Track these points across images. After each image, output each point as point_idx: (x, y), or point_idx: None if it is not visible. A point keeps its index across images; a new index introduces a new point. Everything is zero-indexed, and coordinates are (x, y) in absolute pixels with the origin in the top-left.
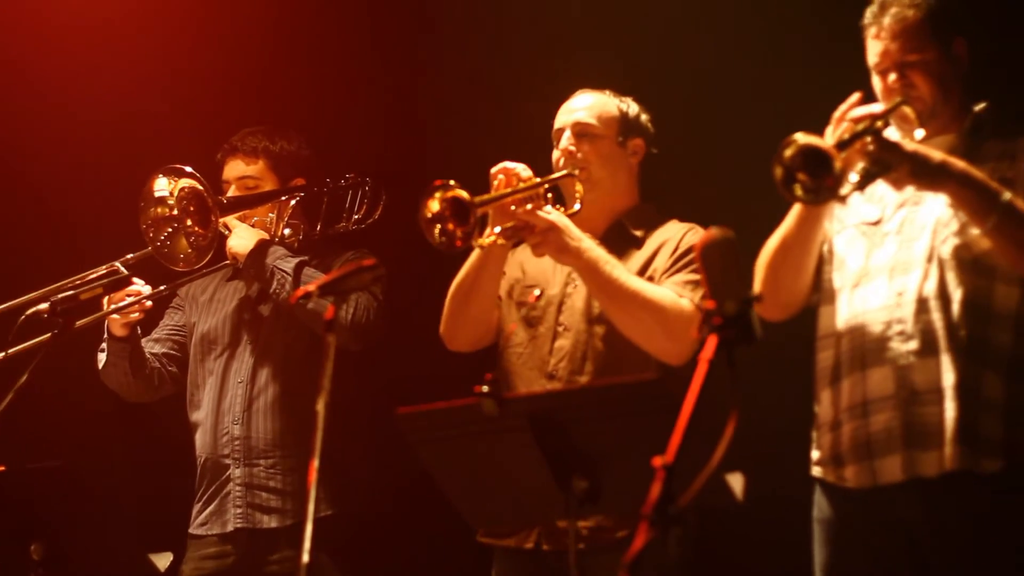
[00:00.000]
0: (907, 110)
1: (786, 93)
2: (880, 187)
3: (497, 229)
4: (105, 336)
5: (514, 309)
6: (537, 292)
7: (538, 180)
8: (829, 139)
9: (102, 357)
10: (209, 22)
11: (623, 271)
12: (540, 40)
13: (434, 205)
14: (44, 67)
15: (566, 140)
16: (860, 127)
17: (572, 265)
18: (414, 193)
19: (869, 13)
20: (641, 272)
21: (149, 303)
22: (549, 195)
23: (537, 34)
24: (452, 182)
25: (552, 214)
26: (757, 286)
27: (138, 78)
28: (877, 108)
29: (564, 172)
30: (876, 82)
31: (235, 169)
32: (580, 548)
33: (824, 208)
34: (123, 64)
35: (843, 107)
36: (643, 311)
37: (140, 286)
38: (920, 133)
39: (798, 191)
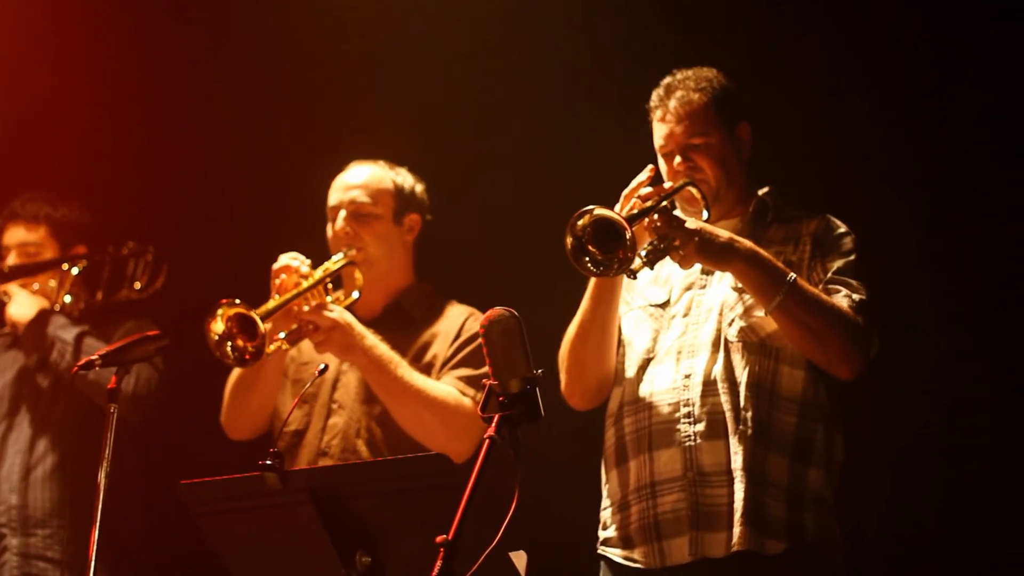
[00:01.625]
0: (693, 191)
1: (573, 169)
2: (667, 269)
3: (281, 335)
4: None
5: (290, 387)
6: (323, 366)
7: (318, 275)
8: (619, 213)
9: None
10: None
11: (407, 369)
12: (321, 102)
13: (218, 326)
14: None
15: (341, 220)
16: (649, 203)
17: (356, 363)
18: (197, 262)
19: (655, 96)
20: (419, 356)
21: None
22: (330, 285)
23: (319, 96)
24: (236, 300)
25: (335, 312)
26: (563, 378)
27: None
28: (666, 185)
29: (342, 260)
30: (662, 164)
31: (16, 235)
32: None
33: (617, 285)
34: None
35: (633, 183)
36: (425, 410)
37: None
38: (706, 214)
39: (588, 264)
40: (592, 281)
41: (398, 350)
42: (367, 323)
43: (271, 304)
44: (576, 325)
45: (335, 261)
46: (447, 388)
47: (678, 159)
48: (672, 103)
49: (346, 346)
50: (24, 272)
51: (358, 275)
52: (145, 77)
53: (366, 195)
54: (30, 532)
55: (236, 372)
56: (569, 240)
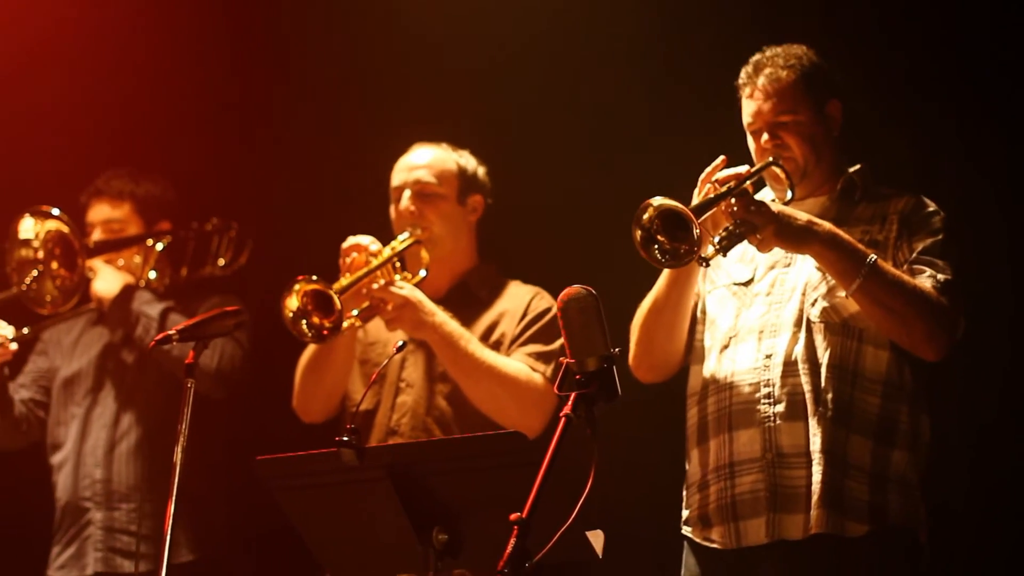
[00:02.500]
0: (777, 170)
1: (651, 152)
2: (752, 247)
3: (354, 312)
4: None
5: (358, 368)
6: (400, 343)
7: (388, 254)
8: (694, 201)
9: None
10: (75, 60)
11: (477, 345)
12: (392, 86)
13: (293, 302)
14: None
15: (406, 200)
16: (723, 188)
17: (427, 339)
18: (282, 239)
19: (744, 73)
20: (486, 335)
21: (14, 346)
22: (398, 264)
23: (389, 81)
24: (313, 276)
25: (405, 289)
26: (632, 349)
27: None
28: (743, 169)
29: (409, 240)
30: (750, 142)
31: (100, 212)
32: None
33: (693, 269)
34: None
35: (708, 169)
36: (497, 386)
37: (3, 328)
38: (790, 194)
39: (656, 254)
40: None
41: (466, 329)
42: (434, 303)
43: (345, 281)
44: (650, 301)
45: (401, 240)
46: (518, 364)
47: (765, 136)
48: (760, 80)
49: (417, 323)
50: (109, 248)
51: (424, 254)
52: (228, 55)
53: (431, 175)
54: (114, 506)
55: (306, 355)
56: (637, 233)
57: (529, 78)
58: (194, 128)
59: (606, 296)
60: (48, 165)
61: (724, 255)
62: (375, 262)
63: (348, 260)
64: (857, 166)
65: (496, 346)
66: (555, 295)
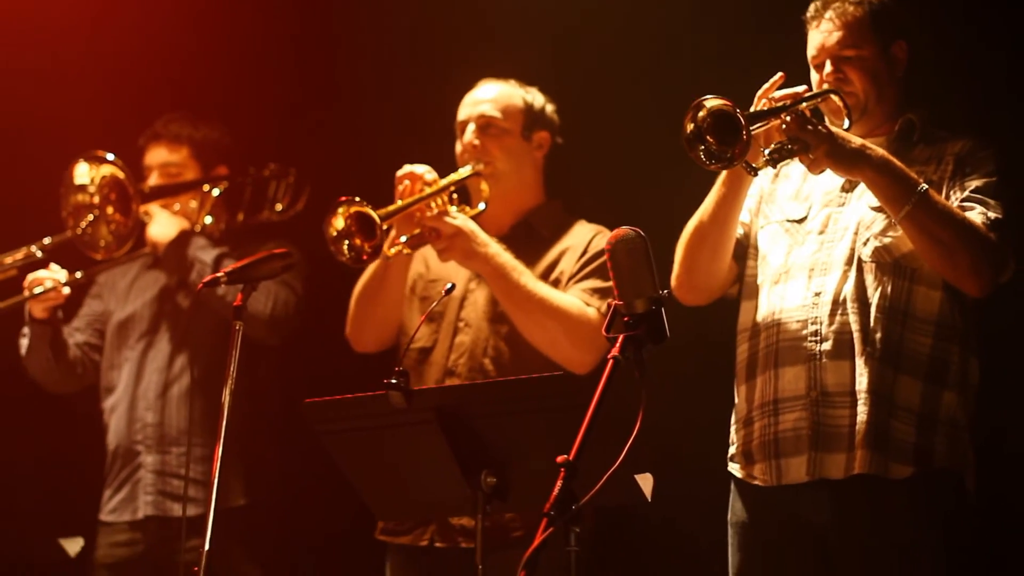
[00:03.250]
0: (836, 99)
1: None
2: (808, 184)
3: (403, 238)
4: (27, 320)
5: (417, 304)
6: (449, 285)
7: (443, 183)
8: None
9: (24, 343)
10: (130, 6)
11: (530, 278)
12: (454, 28)
13: (339, 222)
14: None
15: (470, 134)
16: (780, 104)
17: (479, 270)
18: (340, 182)
19: (812, 7)
20: (546, 274)
21: (67, 289)
22: (454, 195)
23: (451, 21)
24: (357, 198)
25: (458, 219)
26: (675, 269)
27: (58, 62)
28: (801, 89)
29: (469, 171)
30: (813, 76)
31: (158, 156)
32: (474, 546)
33: (741, 189)
34: (44, 47)
35: (766, 85)
36: (549, 319)
37: (56, 272)
38: (847, 123)
39: (702, 154)
40: (718, 180)
41: (526, 266)
42: (496, 240)
43: (392, 207)
44: (695, 221)
45: (461, 172)
46: (572, 298)
47: (828, 68)
48: (828, 13)
49: (468, 252)
50: (165, 192)
51: (484, 187)
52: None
53: (495, 109)
54: (165, 450)
55: (360, 283)
56: (688, 127)
57: (599, 15)
58: (252, 72)
59: (671, 238)
60: (107, 110)
61: (774, 167)
62: (428, 191)
63: (400, 188)
64: (916, 109)
65: (555, 284)
66: None
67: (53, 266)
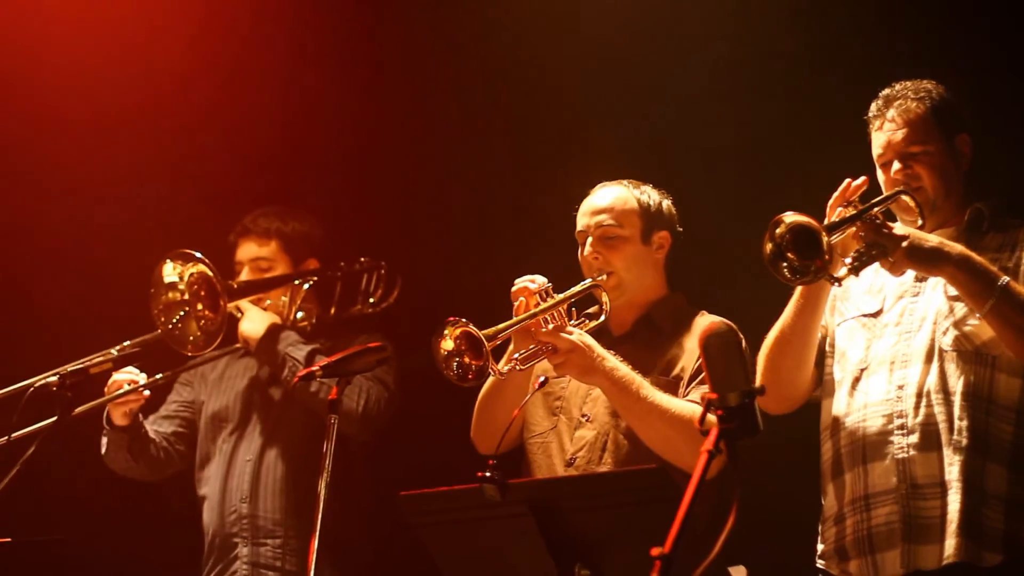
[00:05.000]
0: (907, 199)
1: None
2: (880, 278)
3: (518, 354)
4: (105, 424)
5: (540, 398)
6: (543, 378)
7: (559, 297)
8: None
9: (104, 442)
10: (218, 103)
11: (649, 389)
12: (560, 124)
13: (447, 344)
14: (52, 146)
15: (589, 247)
16: (856, 210)
17: (597, 385)
18: (431, 275)
19: (874, 106)
20: (667, 370)
21: (147, 392)
22: (573, 309)
23: (557, 118)
24: (462, 319)
25: (574, 334)
26: (759, 378)
27: (147, 160)
28: (861, 180)
29: (588, 284)
30: (880, 175)
31: (248, 251)
32: None
33: (821, 298)
34: (132, 145)
35: (837, 193)
36: (669, 428)
37: (137, 374)
38: (920, 222)
39: (785, 271)
40: (796, 291)
41: (647, 363)
42: (618, 338)
43: (502, 325)
44: (776, 331)
45: (581, 285)
46: (691, 406)
47: (896, 166)
48: (891, 112)
49: (585, 368)
50: (254, 289)
51: (605, 299)
52: (378, 91)
53: (612, 218)
54: (260, 541)
55: (483, 390)
56: (768, 246)
57: (706, 110)
58: (342, 166)
59: None
60: (198, 206)
61: (856, 275)
62: (543, 305)
63: (516, 304)
64: (985, 200)
65: (676, 381)
66: (743, 326)
67: (131, 369)
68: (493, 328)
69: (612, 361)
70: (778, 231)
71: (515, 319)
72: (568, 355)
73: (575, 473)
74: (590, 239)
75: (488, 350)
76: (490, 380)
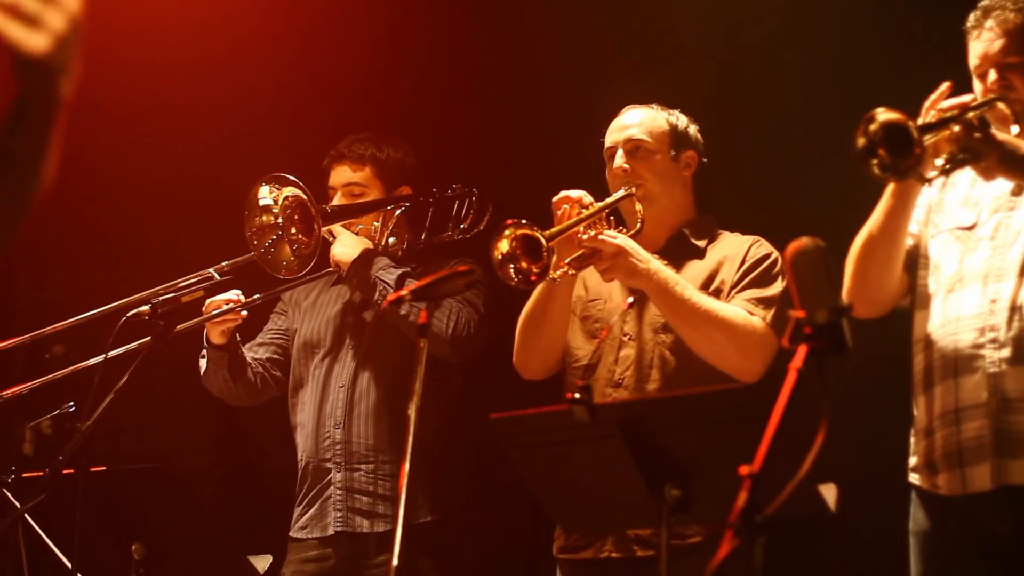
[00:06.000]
0: (1003, 107)
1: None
2: (977, 190)
3: (566, 260)
4: (205, 343)
5: (579, 324)
6: (631, 299)
7: (599, 205)
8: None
9: (203, 363)
10: (314, 30)
11: (693, 291)
12: (622, 56)
13: (504, 245)
14: (151, 72)
15: (619, 159)
16: (948, 115)
17: (643, 287)
18: (521, 203)
19: (972, 17)
20: (707, 284)
21: (245, 312)
22: (611, 218)
23: (620, 52)
24: (523, 220)
25: (618, 238)
26: (846, 281)
27: (243, 85)
28: (968, 98)
29: (623, 193)
30: (976, 86)
31: (342, 175)
32: (651, 555)
33: (911, 199)
34: (228, 70)
35: (933, 96)
36: (715, 330)
37: (234, 295)
38: (1015, 129)
39: (875, 167)
40: (886, 192)
41: (685, 278)
42: (652, 254)
43: (556, 228)
44: (865, 234)
45: (615, 196)
46: (735, 308)
47: (993, 76)
48: (989, 22)
49: (631, 270)
50: (347, 214)
51: (639, 207)
52: (471, 23)
53: (642, 132)
54: (354, 467)
55: (525, 312)
56: (860, 140)
57: (751, 35)
58: (435, 93)
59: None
60: (293, 132)
61: (947, 176)
62: (586, 213)
63: (559, 212)
64: None
65: (716, 293)
66: (772, 245)
67: (233, 291)
68: (548, 230)
69: (656, 264)
70: (871, 127)
71: (567, 222)
72: (614, 258)
73: (624, 394)
74: (620, 152)
75: (549, 248)
76: (532, 301)
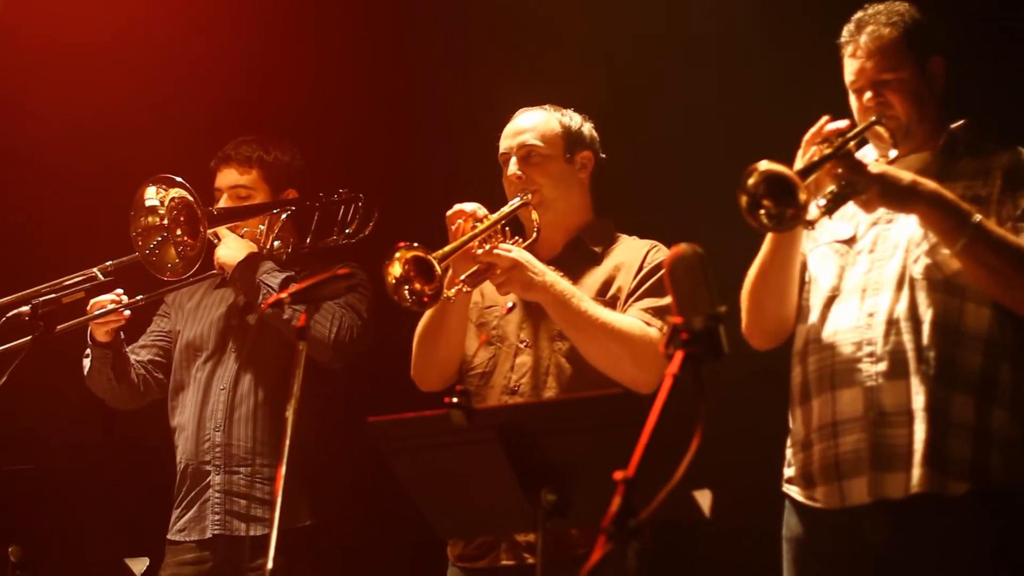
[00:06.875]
0: (880, 129)
1: (756, 109)
2: (854, 205)
3: (461, 277)
4: (89, 342)
5: (474, 331)
6: (510, 304)
7: (493, 218)
8: (798, 164)
9: (87, 363)
10: (202, 30)
11: (589, 302)
12: (517, 57)
13: (396, 269)
14: (30, 69)
15: (513, 166)
16: (828, 150)
17: (539, 299)
18: (408, 209)
19: (846, 31)
20: (602, 291)
21: (128, 312)
22: (507, 228)
23: (513, 53)
24: (414, 243)
25: (513, 251)
26: (744, 317)
27: (129, 85)
28: (844, 123)
29: (518, 203)
30: (852, 101)
31: (228, 178)
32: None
33: (797, 232)
34: (114, 70)
35: (812, 130)
36: (611, 342)
37: (118, 295)
38: (894, 153)
39: (763, 218)
40: None
41: (581, 285)
42: (549, 261)
43: (447, 247)
44: (756, 267)
45: (510, 205)
46: (632, 320)
47: (868, 94)
48: (863, 38)
49: (526, 283)
50: (234, 216)
51: (535, 216)
52: (359, 27)
53: (535, 138)
54: (233, 470)
55: (421, 325)
56: (743, 198)
57: (642, 37)
58: (323, 95)
59: (719, 253)
60: (179, 133)
61: (830, 217)
62: (480, 227)
63: (453, 227)
64: (959, 122)
65: (613, 301)
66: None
67: (116, 290)
68: (440, 251)
69: (552, 276)
70: (751, 182)
71: (459, 240)
72: (509, 272)
73: (520, 401)
74: (514, 159)
75: (441, 270)
76: (428, 315)
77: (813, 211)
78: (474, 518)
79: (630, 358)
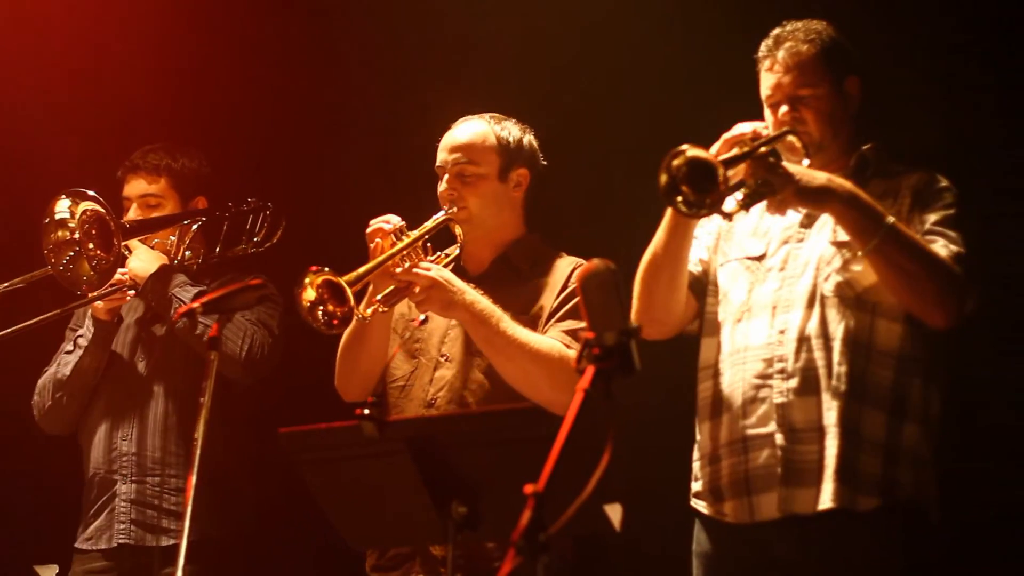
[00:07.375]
0: (793, 140)
1: (681, 122)
2: (767, 221)
3: (379, 296)
4: (89, 325)
5: (399, 343)
6: (422, 316)
7: (414, 235)
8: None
9: (71, 358)
10: (108, 39)
11: (509, 322)
12: (435, 64)
13: (310, 293)
14: None
15: (444, 183)
16: (746, 148)
17: (458, 319)
18: (317, 216)
19: (764, 46)
20: (525, 310)
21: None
22: (428, 244)
23: (431, 59)
24: (325, 268)
25: (432, 270)
26: (635, 304)
27: (34, 95)
28: (762, 125)
29: (441, 218)
30: (767, 116)
31: (137, 187)
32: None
33: (690, 223)
34: (19, 80)
35: (733, 131)
36: (529, 363)
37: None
38: (806, 163)
39: (680, 204)
40: (667, 214)
41: (506, 303)
42: (475, 278)
43: (361, 269)
44: (649, 256)
45: (433, 220)
46: (551, 341)
47: (783, 109)
48: (780, 54)
49: (446, 303)
50: (146, 228)
51: (459, 231)
52: (270, 33)
53: (468, 156)
54: (141, 479)
55: (344, 337)
56: (663, 177)
57: (575, 49)
58: (231, 102)
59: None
60: (86, 142)
61: (746, 211)
62: (399, 244)
63: (372, 245)
64: (870, 144)
65: (535, 319)
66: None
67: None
68: (353, 273)
69: (472, 295)
70: (675, 163)
71: (374, 262)
72: (428, 291)
73: (435, 414)
74: (446, 176)
75: (351, 295)
76: (351, 326)
77: (731, 204)
78: (385, 529)
79: (547, 380)
